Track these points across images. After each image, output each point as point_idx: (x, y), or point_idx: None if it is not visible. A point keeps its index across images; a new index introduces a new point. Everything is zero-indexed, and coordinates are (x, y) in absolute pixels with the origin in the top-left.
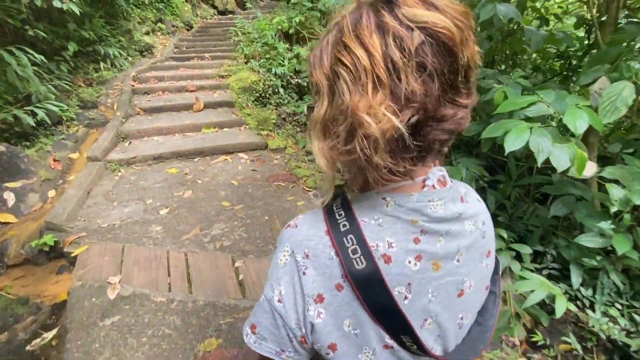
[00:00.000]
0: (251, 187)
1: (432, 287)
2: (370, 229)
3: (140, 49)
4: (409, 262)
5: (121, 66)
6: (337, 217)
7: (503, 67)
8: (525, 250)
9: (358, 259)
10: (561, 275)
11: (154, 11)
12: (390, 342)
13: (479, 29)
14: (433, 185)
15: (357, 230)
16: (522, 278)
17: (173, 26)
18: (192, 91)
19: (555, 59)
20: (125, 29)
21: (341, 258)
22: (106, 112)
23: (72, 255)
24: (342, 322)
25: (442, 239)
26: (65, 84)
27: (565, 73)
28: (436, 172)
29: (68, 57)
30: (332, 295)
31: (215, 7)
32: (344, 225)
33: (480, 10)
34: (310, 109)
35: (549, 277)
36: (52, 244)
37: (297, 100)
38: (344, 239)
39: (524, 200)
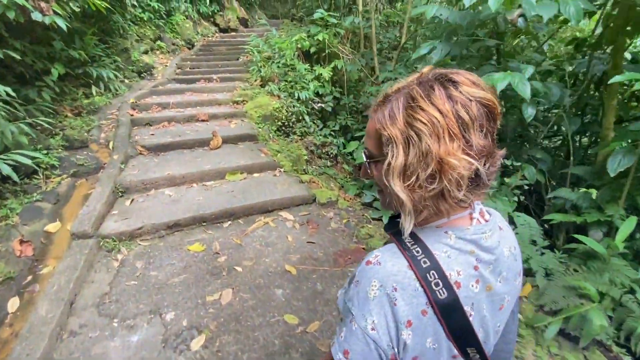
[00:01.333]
0: (317, 277)
1: (486, 304)
2: (443, 261)
3: (139, 69)
4: (472, 285)
5: (117, 90)
6: (415, 253)
7: None
8: None
9: (440, 291)
10: None
11: (153, 28)
12: (457, 353)
13: None
14: (478, 219)
15: (437, 265)
16: None
17: (173, 44)
18: (203, 120)
19: None
20: (122, 48)
21: (427, 290)
22: (99, 153)
23: None
24: (426, 340)
25: (492, 265)
26: (45, 121)
27: None
28: (476, 205)
29: (52, 82)
30: (418, 320)
31: (216, 25)
32: (425, 262)
33: None
34: (367, 155)
35: None
36: None
37: (321, 129)
38: (427, 274)
39: None
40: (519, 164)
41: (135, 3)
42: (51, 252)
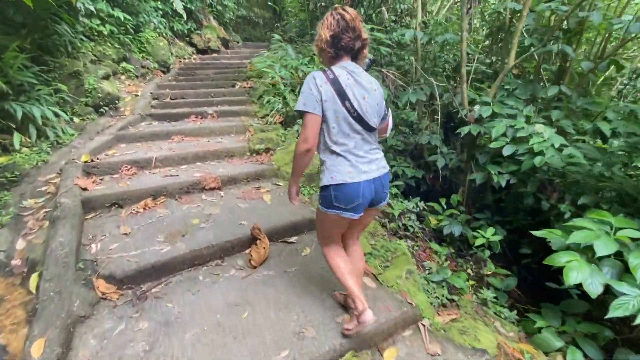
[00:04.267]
0: None
1: (355, 89)
2: (334, 69)
3: (96, 102)
4: (345, 78)
5: (59, 137)
6: (327, 70)
7: None
8: None
9: (330, 75)
10: None
11: (116, 46)
12: (341, 104)
13: None
14: (349, 63)
15: (332, 70)
16: None
17: (143, 67)
18: (213, 189)
19: None
20: (70, 71)
21: (327, 76)
22: (1, 315)
23: None
24: (328, 94)
25: (354, 75)
26: None
27: None
28: (352, 64)
29: None
30: (324, 84)
31: (193, 45)
32: (328, 70)
33: None
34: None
35: None
36: None
37: None
38: (327, 72)
39: None
40: None
41: (93, 10)
42: None
